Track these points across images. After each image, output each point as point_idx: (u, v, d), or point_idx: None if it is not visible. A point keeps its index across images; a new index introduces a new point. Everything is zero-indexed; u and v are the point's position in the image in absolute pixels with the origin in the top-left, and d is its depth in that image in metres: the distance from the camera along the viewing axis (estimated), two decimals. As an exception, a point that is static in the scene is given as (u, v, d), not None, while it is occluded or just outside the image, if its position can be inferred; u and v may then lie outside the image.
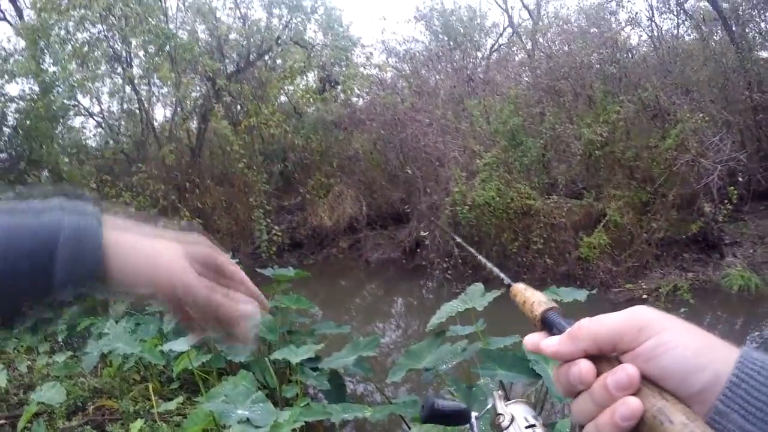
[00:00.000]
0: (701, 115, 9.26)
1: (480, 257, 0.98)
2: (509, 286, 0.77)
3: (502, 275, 0.82)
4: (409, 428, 4.12)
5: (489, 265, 0.90)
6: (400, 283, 12.07)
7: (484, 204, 9.78)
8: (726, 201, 8.90)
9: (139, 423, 4.22)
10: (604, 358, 0.57)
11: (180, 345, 4.46)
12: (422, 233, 11.34)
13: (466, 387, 3.88)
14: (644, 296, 8.74)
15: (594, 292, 5.72)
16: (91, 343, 5.52)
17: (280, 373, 5.61)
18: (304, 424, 3.89)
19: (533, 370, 3.87)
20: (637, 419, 0.52)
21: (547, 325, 0.65)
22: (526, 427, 0.58)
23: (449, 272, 10.16)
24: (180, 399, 4.43)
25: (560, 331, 0.62)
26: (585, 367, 0.57)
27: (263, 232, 11.77)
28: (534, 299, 0.69)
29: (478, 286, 5.09)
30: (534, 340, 0.64)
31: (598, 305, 8.58)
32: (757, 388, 0.50)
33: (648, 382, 0.54)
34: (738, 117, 10.55)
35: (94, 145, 12.52)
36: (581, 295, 4.91)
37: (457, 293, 5.65)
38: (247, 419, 3.47)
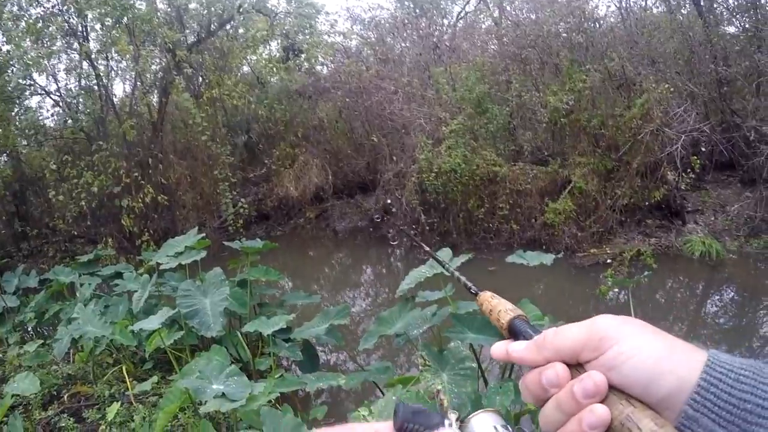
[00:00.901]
0: (666, 85, 9.41)
1: (444, 263, 0.97)
2: (476, 294, 0.78)
3: (468, 283, 0.82)
4: (383, 394, 4.21)
5: (455, 272, 0.89)
6: (368, 251, 12.14)
7: (450, 171, 9.84)
8: (689, 170, 9.11)
9: (115, 406, 4.22)
10: (570, 366, 0.58)
11: (150, 323, 4.44)
12: (388, 201, 11.37)
13: (437, 351, 3.96)
14: (608, 260, 8.97)
15: (560, 256, 5.88)
16: (60, 329, 5.46)
17: (253, 346, 5.65)
18: (279, 395, 3.94)
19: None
20: (606, 427, 0.53)
21: (514, 333, 0.66)
22: None
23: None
24: (155, 379, 4.42)
25: (526, 339, 0.63)
26: (561, 370, 0.58)
27: (229, 206, 11.64)
28: (501, 307, 0.70)
29: (446, 251, 5.18)
30: (501, 347, 0.65)
31: (563, 269, 8.86)
32: (726, 391, 0.51)
33: (614, 389, 0.55)
34: (702, 89, 10.73)
35: (52, 125, 12.07)
36: (547, 259, 5.03)
37: (425, 260, 5.73)
38: (223, 393, 3.50)
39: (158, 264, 5.81)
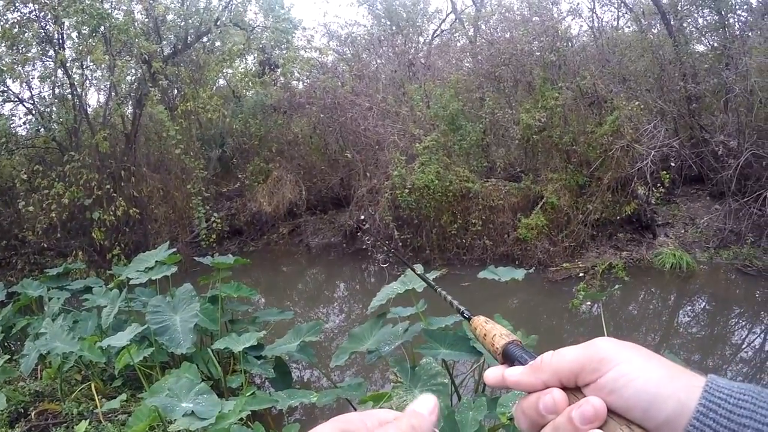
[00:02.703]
0: (637, 103, 9.68)
1: (436, 287, 0.96)
2: (469, 318, 0.77)
3: (460, 307, 0.81)
4: (355, 410, 4.19)
5: (447, 296, 0.89)
6: (342, 267, 12.11)
7: (423, 187, 9.92)
8: (659, 185, 9.35)
9: (83, 425, 4.13)
10: (568, 389, 0.58)
11: (119, 340, 4.37)
12: (361, 217, 11.38)
13: (410, 367, 3.97)
14: (581, 274, 9.10)
15: (531, 271, 5.94)
16: (28, 344, 5.32)
17: (225, 363, 5.58)
18: (250, 413, 3.90)
19: (474, 348, 4.02)
20: None
21: (509, 358, 0.65)
22: None
23: (389, 255, 10.28)
24: (123, 396, 4.35)
25: (521, 364, 0.62)
26: (558, 396, 0.57)
27: (202, 220, 11.54)
28: (495, 332, 0.69)
29: (418, 268, 5.19)
30: (496, 373, 0.64)
31: (537, 284, 8.95)
32: (725, 416, 0.50)
33: (613, 413, 0.54)
34: (672, 106, 11.04)
35: (24, 133, 11.83)
36: (519, 274, 5.08)
37: (398, 275, 5.75)
38: (192, 412, 3.46)
39: (128, 279, 5.73)
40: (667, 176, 9.40)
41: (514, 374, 0.61)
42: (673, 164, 10.01)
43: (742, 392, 0.52)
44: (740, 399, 0.51)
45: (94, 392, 4.82)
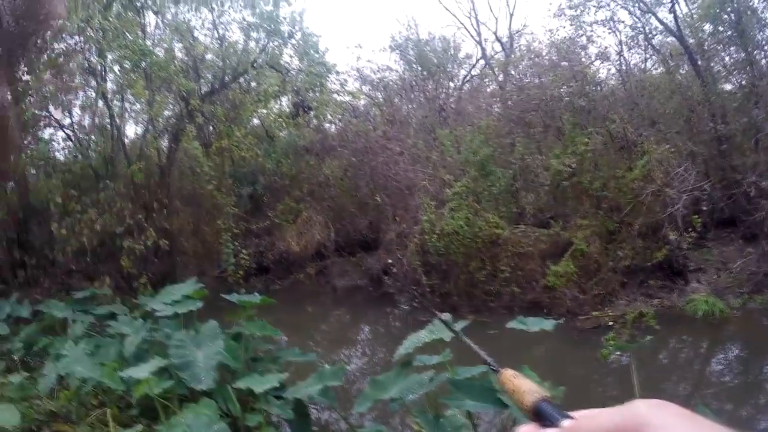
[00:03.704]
0: (667, 146, 9.56)
1: (464, 337, 0.96)
2: (497, 371, 0.76)
3: (487, 359, 0.81)
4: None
5: (473, 345, 0.88)
6: (367, 310, 11.99)
7: (452, 233, 9.84)
8: (690, 229, 9.12)
9: (95, 451, 4.07)
10: None
11: (140, 371, 4.33)
12: (389, 261, 11.32)
13: (434, 417, 3.84)
14: (610, 323, 8.83)
15: (561, 321, 5.79)
16: (48, 365, 5.32)
17: (243, 400, 5.48)
18: (268, 454, 3.80)
19: (500, 399, 3.87)
20: None
21: (540, 416, 0.63)
22: None
23: (416, 301, 10.15)
24: (139, 427, 4.28)
25: (553, 424, 0.61)
26: None
27: (230, 256, 11.60)
28: (525, 388, 0.68)
29: (446, 317, 5.08)
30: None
31: (565, 333, 8.71)
32: None
33: None
34: (702, 147, 10.89)
35: (62, 158, 12.24)
36: (549, 325, 4.93)
37: (424, 321, 5.64)
38: (209, 450, 3.37)
39: (154, 310, 5.73)
40: (699, 220, 9.18)
41: None
42: (704, 207, 9.77)
43: None
44: None
45: (110, 419, 4.75)
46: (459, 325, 4.71)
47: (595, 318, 9.17)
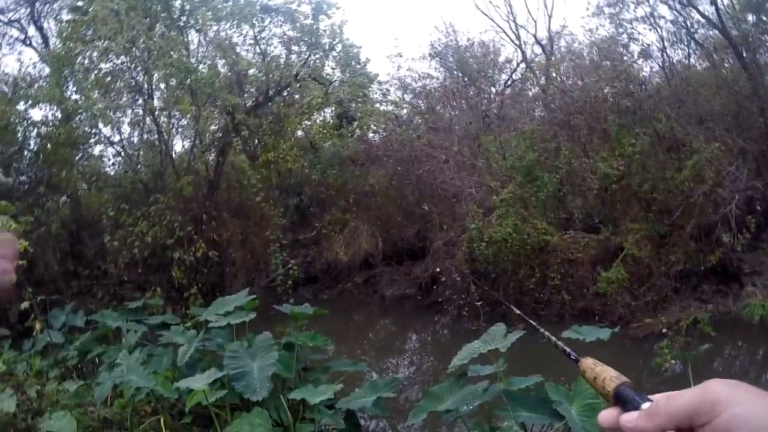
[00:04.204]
0: (716, 144, 9.26)
1: (541, 329, 0.97)
2: (577, 361, 0.78)
3: (567, 349, 0.83)
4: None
5: (552, 338, 0.89)
6: (415, 319, 11.94)
7: (501, 240, 9.71)
8: (744, 230, 8.84)
9: (150, 458, 4.13)
10: None
11: (196, 382, 4.39)
12: (437, 270, 11.24)
13: (489, 428, 3.79)
14: (664, 330, 8.56)
15: (616, 330, 5.63)
16: (103, 374, 5.44)
17: (294, 410, 5.50)
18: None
19: (556, 411, 3.80)
20: None
21: (621, 400, 0.66)
22: None
23: (465, 309, 10.04)
24: (193, 435, 4.33)
25: (634, 407, 0.63)
26: None
27: (279, 266, 11.72)
28: (605, 375, 0.70)
29: (500, 327, 4.99)
30: (610, 415, 0.65)
31: (617, 341, 8.46)
32: None
33: None
34: (753, 144, 10.50)
35: (112, 173, 12.71)
36: (605, 334, 4.85)
37: (473, 330, 5.57)
38: (265, 460, 3.38)
39: (207, 321, 5.81)
40: (753, 220, 8.91)
41: (630, 419, 0.62)
42: (758, 207, 9.46)
43: None
44: None
45: (163, 426, 4.84)
46: (513, 336, 4.63)
47: (648, 325, 8.93)
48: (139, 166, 11.89)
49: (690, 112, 10.49)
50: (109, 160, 12.54)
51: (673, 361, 7.44)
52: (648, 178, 9.58)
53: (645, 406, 0.62)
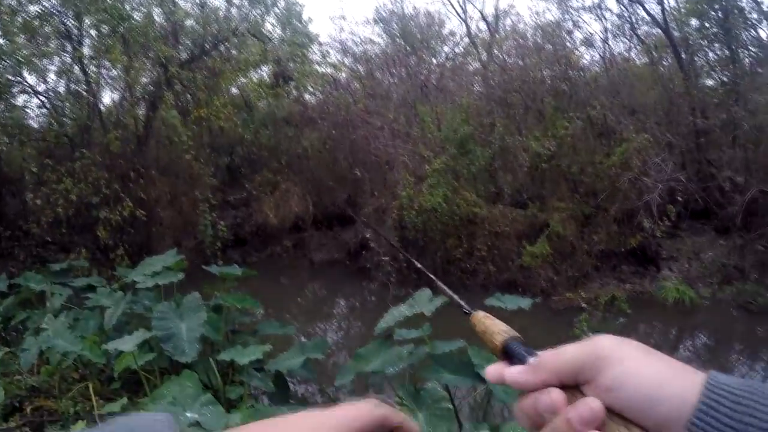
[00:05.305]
0: (646, 135, 9.71)
1: (437, 281, 0.96)
2: (469, 314, 0.75)
3: (461, 302, 0.80)
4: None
5: (446, 290, 0.87)
6: (344, 284, 12.05)
7: (430, 209, 9.90)
8: (665, 218, 9.33)
9: (80, 425, 4.08)
10: (568, 388, 0.56)
11: (124, 344, 4.34)
12: (367, 235, 11.36)
13: (414, 390, 3.94)
14: (583, 305, 9.04)
15: (538, 300, 5.92)
16: (28, 340, 5.28)
17: (223, 373, 5.53)
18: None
19: (478, 374, 3.99)
20: None
21: (509, 355, 0.63)
22: None
23: (393, 276, 10.23)
24: (124, 401, 4.29)
25: (521, 362, 0.61)
26: (556, 395, 0.55)
27: (208, 227, 11.52)
28: (495, 329, 0.67)
29: (426, 292, 5.17)
30: (497, 370, 0.62)
31: (538, 312, 8.88)
32: (726, 414, 0.48)
33: (612, 413, 0.53)
34: (680, 139, 11.06)
35: (36, 126, 11.92)
36: (525, 303, 5.07)
37: (401, 296, 5.72)
38: (197, 422, 3.42)
39: (134, 282, 5.71)
40: (673, 210, 9.42)
41: (513, 373, 0.60)
42: (679, 198, 10.01)
43: (742, 389, 0.50)
44: (741, 396, 0.49)
45: (92, 392, 4.76)
46: (436, 302, 4.81)
47: (568, 299, 9.37)
48: (64, 119, 11.20)
49: (624, 102, 10.92)
50: (33, 111, 11.78)
51: (590, 334, 7.88)
52: (577, 160, 9.96)
53: (531, 360, 0.59)
